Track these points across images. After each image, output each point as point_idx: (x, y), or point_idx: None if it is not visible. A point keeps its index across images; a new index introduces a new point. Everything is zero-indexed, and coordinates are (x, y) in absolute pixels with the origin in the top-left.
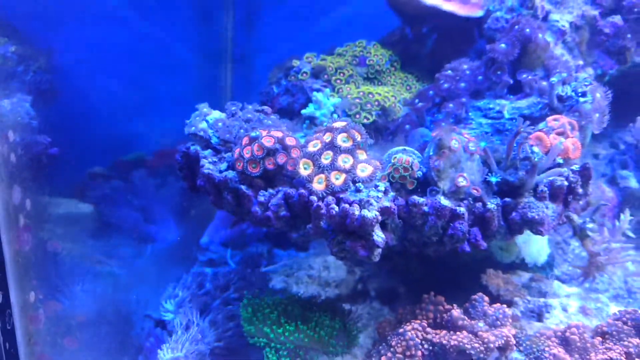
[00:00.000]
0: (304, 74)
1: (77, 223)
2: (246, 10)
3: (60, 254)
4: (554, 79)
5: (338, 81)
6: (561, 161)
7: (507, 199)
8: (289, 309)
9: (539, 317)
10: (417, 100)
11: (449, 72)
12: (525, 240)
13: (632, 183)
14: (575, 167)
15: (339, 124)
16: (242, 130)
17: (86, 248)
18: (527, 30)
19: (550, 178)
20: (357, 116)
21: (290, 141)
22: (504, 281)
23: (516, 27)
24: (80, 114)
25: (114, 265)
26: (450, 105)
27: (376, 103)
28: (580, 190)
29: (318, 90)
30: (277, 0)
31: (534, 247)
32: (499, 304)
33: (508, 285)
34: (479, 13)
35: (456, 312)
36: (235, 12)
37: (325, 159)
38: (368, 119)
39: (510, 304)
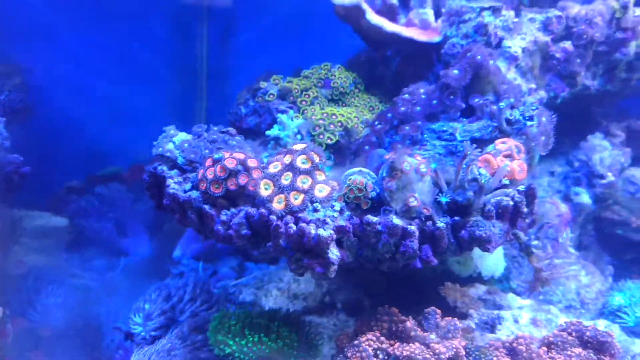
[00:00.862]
0: (271, 96)
1: (52, 236)
2: (221, 28)
3: (34, 268)
4: (502, 104)
5: (303, 102)
6: (507, 182)
7: (456, 218)
8: (254, 321)
9: (492, 329)
10: (376, 122)
11: (407, 96)
12: (481, 255)
13: (585, 199)
14: (521, 187)
15: (299, 147)
16: (207, 151)
17: (60, 261)
18: (479, 57)
19: (497, 198)
20: (321, 136)
21: (251, 163)
22: (461, 294)
23: (468, 54)
24: (55, 130)
25: (87, 278)
26: (407, 127)
27: (339, 124)
28: (525, 210)
29: (283, 112)
30: (251, 19)
31: (490, 261)
32: (450, 317)
33: (465, 297)
34: (437, 39)
35: (409, 324)
36: (209, 30)
37: (285, 179)
38: (331, 139)
39: (465, 316)
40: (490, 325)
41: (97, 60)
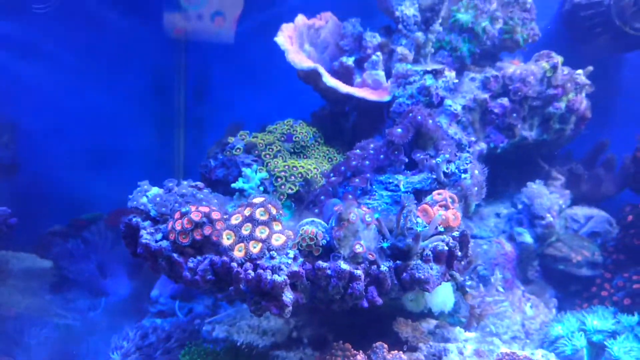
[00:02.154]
0: (238, 150)
1: (37, 278)
2: (198, 81)
3: (20, 309)
4: (438, 159)
5: (267, 156)
6: (442, 229)
7: (398, 262)
8: (222, 357)
9: None
10: (331, 175)
11: (358, 151)
12: (432, 292)
13: (527, 238)
14: (455, 233)
15: (258, 200)
16: (177, 204)
17: (44, 302)
18: (419, 117)
19: (434, 244)
20: (283, 187)
21: (215, 215)
22: (412, 328)
23: (410, 114)
24: (40, 179)
25: (69, 318)
26: (357, 180)
27: (299, 175)
28: (459, 253)
29: (248, 165)
30: (226, 74)
31: (440, 297)
32: (396, 351)
33: (416, 332)
34: (387, 98)
35: (360, 357)
36: (187, 83)
37: (245, 230)
38: (292, 189)
39: (415, 349)
40: (438, 357)
41: (80, 112)
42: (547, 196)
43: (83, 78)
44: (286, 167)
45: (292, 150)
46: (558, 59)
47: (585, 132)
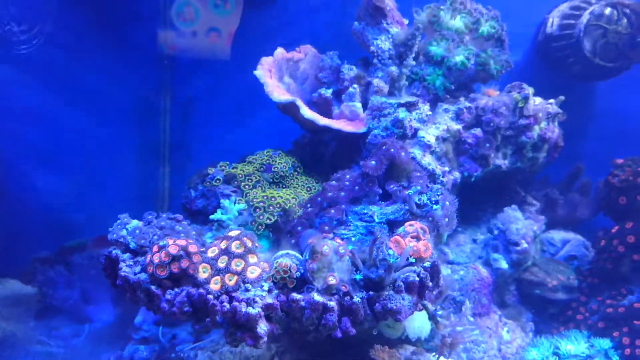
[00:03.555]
0: (217, 180)
1: (21, 304)
2: (183, 109)
3: (2, 336)
4: (410, 191)
5: (246, 186)
6: (413, 260)
7: (371, 293)
8: None
9: None
10: (308, 205)
11: (334, 182)
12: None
13: (503, 264)
14: (427, 264)
15: (234, 233)
16: (155, 237)
17: (28, 329)
18: (392, 150)
19: (405, 274)
20: (261, 217)
21: (192, 248)
22: (389, 355)
23: (384, 147)
24: (26, 204)
25: (53, 345)
26: (332, 211)
27: (278, 205)
28: (430, 284)
29: (228, 196)
30: (211, 101)
31: (416, 324)
32: None
33: (392, 358)
34: (363, 129)
35: None
36: (172, 110)
37: (221, 263)
38: (270, 219)
39: None
40: None
41: (65, 137)
42: (522, 222)
43: (68, 104)
44: (265, 197)
45: (271, 180)
46: (529, 90)
47: (563, 157)
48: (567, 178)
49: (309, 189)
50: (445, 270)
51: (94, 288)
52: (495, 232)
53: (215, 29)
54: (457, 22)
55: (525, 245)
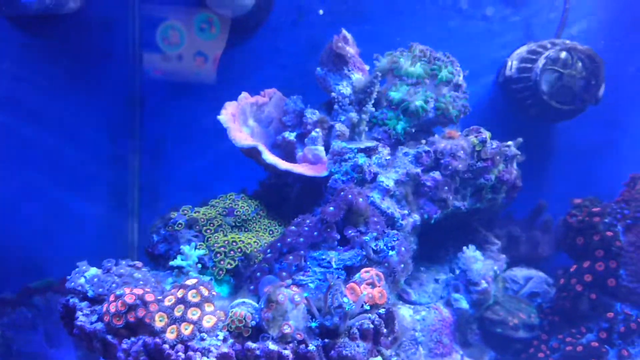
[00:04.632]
0: (179, 225)
1: None
2: (152, 151)
3: None
4: (366, 237)
5: (208, 231)
6: (368, 307)
7: (326, 340)
8: None
9: None
10: (268, 251)
11: (293, 227)
12: None
13: (463, 304)
14: (382, 310)
15: (191, 282)
16: (114, 285)
17: None
18: (350, 196)
19: (360, 322)
20: (222, 262)
21: (149, 297)
22: None
23: (342, 193)
24: None
25: None
26: (290, 257)
27: (239, 250)
28: (385, 330)
29: (189, 241)
30: (180, 140)
31: None
32: None
33: None
34: (324, 173)
35: None
36: (141, 150)
37: (178, 312)
38: (231, 264)
39: None
40: None
41: (31, 177)
42: (482, 262)
43: (35, 145)
44: (226, 242)
45: (233, 224)
46: (486, 134)
47: (528, 194)
48: (530, 215)
49: (271, 232)
50: (407, 311)
51: (57, 330)
52: (457, 271)
53: (201, 53)
54: (417, 69)
55: (485, 285)
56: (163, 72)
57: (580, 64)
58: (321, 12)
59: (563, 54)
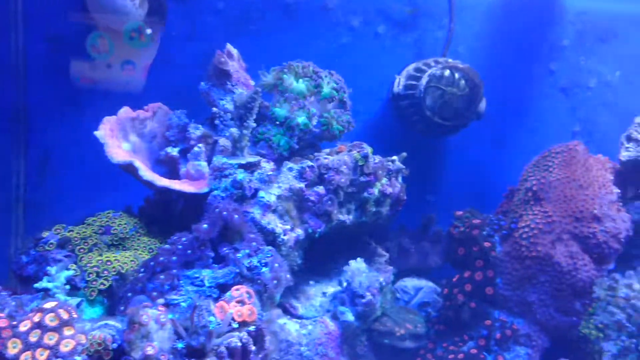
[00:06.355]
0: (51, 245)
1: None
2: (39, 165)
3: None
4: (239, 255)
5: (81, 250)
6: (236, 325)
7: None
8: None
9: None
10: (141, 270)
11: (167, 246)
12: None
13: (349, 317)
14: (251, 328)
15: (49, 305)
16: None
17: None
18: (225, 213)
19: (228, 340)
20: (94, 282)
21: (2, 323)
22: None
23: (217, 210)
24: None
25: None
26: (162, 276)
27: (113, 270)
28: (253, 348)
29: (59, 261)
30: (67, 157)
31: None
32: None
33: None
34: (205, 190)
35: None
36: (27, 171)
37: (33, 337)
38: (104, 284)
39: None
40: None
41: None
42: (367, 274)
43: None
44: (100, 261)
45: (110, 242)
46: (368, 149)
47: (419, 206)
48: (420, 227)
49: (151, 250)
50: (294, 326)
51: None
52: (344, 284)
53: (130, 62)
54: (300, 85)
55: (371, 297)
56: (90, 80)
57: (463, 82)
58: None
59: (447, 72)
